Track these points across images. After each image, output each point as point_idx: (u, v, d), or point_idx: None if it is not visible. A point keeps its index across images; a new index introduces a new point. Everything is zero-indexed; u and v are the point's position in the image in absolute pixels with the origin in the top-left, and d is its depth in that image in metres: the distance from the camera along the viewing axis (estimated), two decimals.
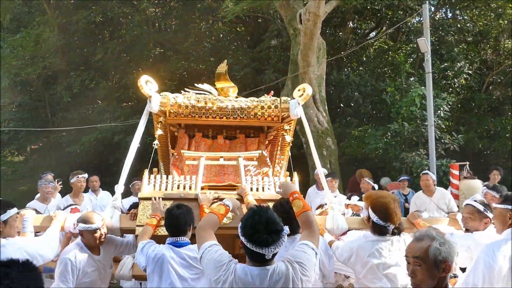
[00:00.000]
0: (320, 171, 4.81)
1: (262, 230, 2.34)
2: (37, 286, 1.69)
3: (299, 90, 4.26)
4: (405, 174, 9.22)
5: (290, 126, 4.38)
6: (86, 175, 6.83)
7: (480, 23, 13.04)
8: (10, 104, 16.03)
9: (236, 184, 4.08)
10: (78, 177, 6.66)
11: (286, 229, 2.41)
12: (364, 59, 14.68)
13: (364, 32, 15.24)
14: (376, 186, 6.50)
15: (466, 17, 13.60)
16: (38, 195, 6.54)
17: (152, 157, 4.22)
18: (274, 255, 2.40)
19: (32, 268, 1.71)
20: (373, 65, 14.31)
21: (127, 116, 13.00)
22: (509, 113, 12.56)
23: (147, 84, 4.04)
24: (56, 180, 6.70)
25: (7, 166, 16.72)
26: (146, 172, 3.98)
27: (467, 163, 8.52)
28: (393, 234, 3.36)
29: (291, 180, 4.23)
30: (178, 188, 3.94)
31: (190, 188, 3.94)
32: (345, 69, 13.75)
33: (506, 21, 12.60)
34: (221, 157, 4.16)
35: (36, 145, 17.16)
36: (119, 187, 3.98)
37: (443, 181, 8.98)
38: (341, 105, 13.38)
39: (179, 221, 3.27)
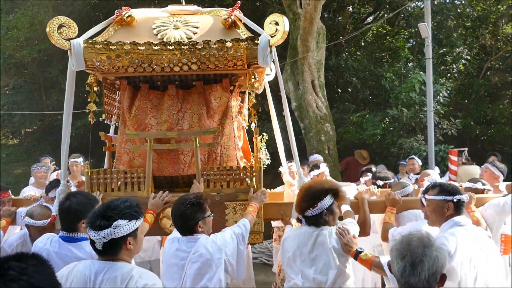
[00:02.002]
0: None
1: (98, 213, 2.20)
2: (52, 279, 1.62)
3: (270, 23, 3.18)
4: (403, 159, 9.25)
5: (258, 75, 3.60)
6: (80, 159, 6.55)
7: (479, 8, 12.95)
8: (4, 87, 15.79)
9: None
10: (70, 161, 6.56)
11: (123, 222, 2.17)
12: (363, 44, 14.58)
13: (363, 17, 15.10)
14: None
15: (464, 2, 13.51)
16: (32, 180, 6.45)
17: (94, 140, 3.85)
18: (109, 246, 2.17)
19: (44, 261, 1.65)
20: (371, 50, 14.21)
21: None
22: (507, 99, 12.59)
23: (62, 31, 3.16)
24: (50, 162, 6.60)
25: (2, 149, 16.57)
26: (86, 166, 3.42)
27: (466, 149, 8.53)
28: (318, 225, 3.01)
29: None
30: (125, 186, 3.38)
31: (139, 187, 3.37)
32: (343, 54, 13.65)
33: (505, 6, 12.52)
34: (172, 138, 3.44)
35: (31, 129, 17.00)
36: (63, 176, 3.50)
37: (441, 167, 9.01)
38: (339, 90, 13.31)
39: (69, 213, 2.82)
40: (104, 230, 2.15)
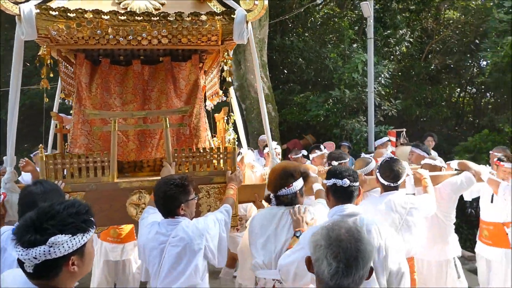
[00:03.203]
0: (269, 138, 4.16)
1: (30, 222, 1.53)
2: None
3: None
4: (345, 140, 9.25)
5: (230, 50, 3.39)
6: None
7: None
8: None
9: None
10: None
11: (63, 238, 1.52)
12: (309, 25, 14.43)
13: None
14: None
15: None
16: None
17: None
18: (44, 269, 1.52)
19: None
20: (319, 32, 14.10)
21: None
22: (446, 82, 12.88)
23: None
24: None
25: None
26: (41, 150, 2.98)
27: (404, 130, 8.65)
28: (290, 204, 2.86)
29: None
30: (87, 171, 3.02)
31: (103, 171, 3.03)
32: (290, 34, 13.45)
33: None
34: (140, 118, 3.15)
35: None
36: (9, 162, 3.05)
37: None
38: (285, 71, 13.14)
39: (35, 200, 2.35)
40: (35, 248, 1.48)
